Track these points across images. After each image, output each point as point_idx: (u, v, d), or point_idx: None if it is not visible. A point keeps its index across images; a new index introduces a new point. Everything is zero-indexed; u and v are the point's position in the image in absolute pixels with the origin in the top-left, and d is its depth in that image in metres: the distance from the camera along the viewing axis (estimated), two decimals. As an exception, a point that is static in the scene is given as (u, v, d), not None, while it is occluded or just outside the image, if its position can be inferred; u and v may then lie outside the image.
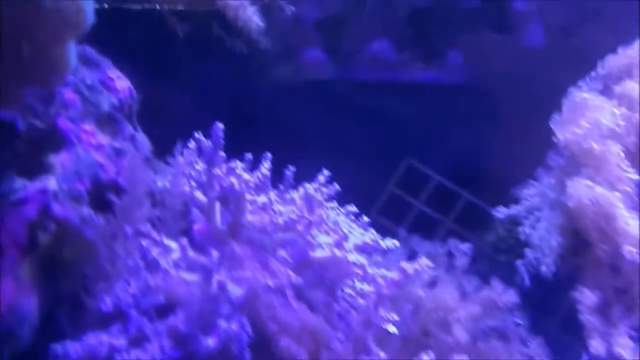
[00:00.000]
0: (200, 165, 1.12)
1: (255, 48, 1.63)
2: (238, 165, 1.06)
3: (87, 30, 0.73)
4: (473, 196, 2.04)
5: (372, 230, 1.13)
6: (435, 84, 1.88)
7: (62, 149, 0.93)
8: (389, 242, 1.08)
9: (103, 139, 1.07)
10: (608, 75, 1.41)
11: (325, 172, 1.15)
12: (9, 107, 0.78)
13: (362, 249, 1.08)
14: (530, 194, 1.56)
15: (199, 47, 1.62)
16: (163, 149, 1.27)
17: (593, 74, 1.43)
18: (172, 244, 1.01)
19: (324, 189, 1.14)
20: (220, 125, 1.07)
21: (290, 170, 1.15)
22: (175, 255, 1.00)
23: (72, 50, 0.76)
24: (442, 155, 1.96)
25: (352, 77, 1.90)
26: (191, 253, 0.99)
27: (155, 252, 0.97)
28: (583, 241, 1.28)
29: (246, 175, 1.05)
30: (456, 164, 1.97)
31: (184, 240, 0.99)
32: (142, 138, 1.19)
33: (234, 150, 1.17)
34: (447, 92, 1.89)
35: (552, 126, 1.40)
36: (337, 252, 1.03)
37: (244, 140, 1.16)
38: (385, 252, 1.11)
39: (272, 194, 1.06)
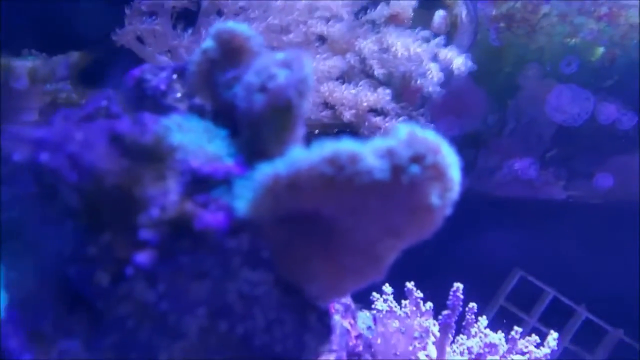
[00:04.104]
0: (417, 325, 1.02)
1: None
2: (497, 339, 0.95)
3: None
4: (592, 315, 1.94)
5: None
6: (576, 204, 1.81)
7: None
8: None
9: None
10: None
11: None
12: (337, 301, 0.68)
13: None
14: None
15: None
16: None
17: None
18: None
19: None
20: (460, 286, 0.97)
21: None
22: None
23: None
24: (566, 274, 1.87)
25: (487, 193, 1.83)
26: None
27: None
28: None
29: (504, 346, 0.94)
30: (580, 284, 1.88)
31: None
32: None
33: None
34: (588, 212, 1.81)
35: None
36: None
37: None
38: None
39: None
